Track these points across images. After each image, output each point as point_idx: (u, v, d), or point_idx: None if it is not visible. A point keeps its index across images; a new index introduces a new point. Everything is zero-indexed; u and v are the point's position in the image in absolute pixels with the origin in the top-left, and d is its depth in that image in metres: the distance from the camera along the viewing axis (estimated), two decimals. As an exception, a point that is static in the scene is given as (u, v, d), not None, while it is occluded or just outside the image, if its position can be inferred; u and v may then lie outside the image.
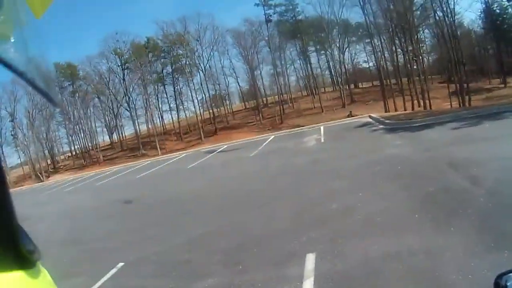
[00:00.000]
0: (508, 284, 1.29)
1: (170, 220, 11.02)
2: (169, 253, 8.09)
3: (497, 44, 53.79)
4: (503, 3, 52.89)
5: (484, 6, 52.67)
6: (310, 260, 5.97)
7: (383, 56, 48.90)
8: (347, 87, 56.84)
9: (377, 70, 50.07)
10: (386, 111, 39.11)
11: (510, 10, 53.14)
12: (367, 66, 66.39)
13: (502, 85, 51.84)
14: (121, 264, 7.84)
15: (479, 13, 56.12)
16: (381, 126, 23.40)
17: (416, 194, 8.42)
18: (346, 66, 60.70)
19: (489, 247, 5.18)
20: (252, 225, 8.77)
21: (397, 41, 44.17)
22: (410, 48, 42.87)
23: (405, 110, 39.32)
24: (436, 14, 42.59)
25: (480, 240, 5.50)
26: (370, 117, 30.12)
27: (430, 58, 60.00)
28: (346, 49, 59.79)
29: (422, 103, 40.57)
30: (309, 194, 10.37)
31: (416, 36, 44.45)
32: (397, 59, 47.07)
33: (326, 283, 5.29)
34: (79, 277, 7.58)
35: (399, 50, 45.39)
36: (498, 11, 54.56)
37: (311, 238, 6.99)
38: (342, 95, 52.47)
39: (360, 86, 66.70)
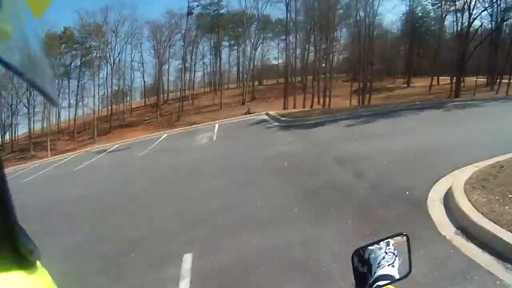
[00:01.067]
0: (355, 254, 1.52)
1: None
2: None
3: (410, 45, 57.70)
4: (427, 7, 57.11)
5: (407, 8, 56.71)
6: (187, 260, 6.19)
7: (294, 54, 50.44)
8: (251, 84, 58.11)
9: (284, 67, 51.49)
10: (284, 109, 40.32)
11: (432, 14, 57.47)
12: (276, 63, 67.84)
13: (405, 85, 55.92)
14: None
15: (401, 15, 60.17)
16: (276, 124, 24.48)
17: (299, 189, 9.01)
18: (255, 62, 61.78)
19: (364, 234, 5.75)
20: (128, 228, 8.75)
21: (312, 39, 45.70)
22: (323, 46, 44.70)
23: (303, 107, 40.80)
24: (358, 14, 44.84)
25: (358, 229, 6.13)
26: (267, 114, 31.23)
27: (340, 56, 62.56)
28: (259, 45, 60.98)
29: (322, 101, 42.78)
30: (191, 193, 10.61)
31: (332, 35, 46.45)
32: (307, 56, 48.84)
33: (202, 282, 5.55)
34: None
35: (311, 48, 47.05)
36: (420, 14, 58.66)
37: (189, 238, 7.21)
38: (244, 92, 53.46)
39: (265, 83, 68.18)
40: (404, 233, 1.52)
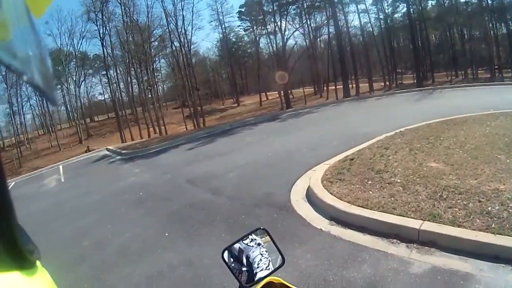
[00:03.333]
0: (224, 254, 1.56)
1: None
2: None
3: (231, 68, 59.53)
4: (240, 32, 59.23)
5: (221, 36, 57.72)
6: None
7: (118, 88, 49.32)
8: (83, 122, 55.77)
9: (112, 102, 50.24)
10: (123, 142, 39.48)
11: (246, 38, 59.72)
12: (103, 98, 65.75)
13: (236, 104, 57.75)
14: None
15: (216, 42, 61.49)
16: (119, 157, 23.80)
17: (163, 215, 8.74)
18: (82, 100, 59.35)
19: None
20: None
21: (133, 72, 45.05)
22: (145, 78, 44.18)
23: (141, 138, 40.47)
24: (173, 45, 44.69)
25: (234, 239, 6.20)
26: (107, 149, 30.34)
27: (165, 86, 62.45)
28: (82, 82, 58.66)
29: (158, 130, 42.39)
30: (58, 237, 9.36)
31: (152, 66, 46.00)
32: (132, 89, 48.00)
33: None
34: None
35: (134, 80, 46.41)
36: (234, 39, 60.60)
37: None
38: (79, 131, 51.22)
39: (97, 119, 65.63)
40: (262, 227, 1.63)
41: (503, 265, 4.06)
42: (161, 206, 9.55)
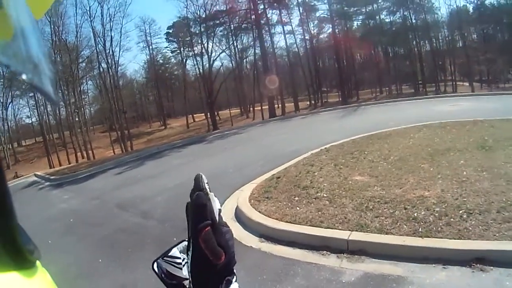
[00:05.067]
0: (154, 265, 1.49)
1: None
2: None
3: (158, 90, 58.86)
4: (167, 53, 59.03)
5: (148, 57, 57.22)
6: None
7: (46, 110, 47.74)
8: (10, 147, 53.58)
9: (39, 125, 48.61)
10: (51, 167, 38.08)
11: (173, 60, 59.68)
12: (30, 121, 63.37)
13: (163, 127, 57.27)
14: None
15: (143, 63, 60.78)
16: (47, 183, 22.86)
17: (95, 240, 8.53)
18: (10, 123, 57.01)
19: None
20: None
21: (60, 94, 43.82)
22: (73, 100, 43.07)
23: (69, 163, 39.28)
24: (101, 66, 43.85)
25: None
26: (35, 175, 29.30)
27: (92, 108, 61.05)
28: (9, 104, 56.22)
29: (85, 154, 41.37)
30: None
31: (79, 88, 44.91)
32: (59, 112, 46.60)
33: None
34: None
35: (61, 103, 45.19)
36: (161, 61, 60.26)
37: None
38: (6, 156, 49.01)
39: (24, 143, 63.32)
40: (186, 239, 1.51)
41: (433, 265, 4.25)
42: (93, 232, 9.29)
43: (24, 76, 0.49)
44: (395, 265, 4.38)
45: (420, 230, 4.82)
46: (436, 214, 5.09)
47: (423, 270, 4.17)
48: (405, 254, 4.54)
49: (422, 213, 5.23)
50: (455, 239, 4.52)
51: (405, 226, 4.98)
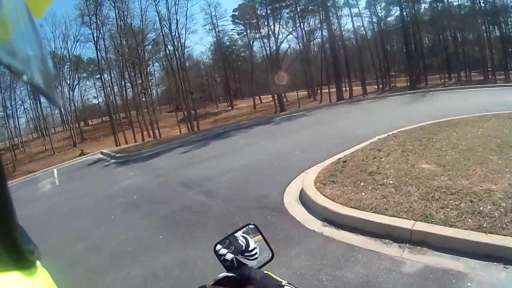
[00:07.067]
0: (217, 248, 1.56)
1: None
2: None
3: (225, 72, 59.35)
4: (234, 35, 59.50)
5: (214, 39, 57.88)
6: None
7: (112, 91, 49.15)
8: (77, 126, 55.52)
9: (106, 105, 50.14)
10: (117, 145, 39.53)
11: (239, 42, 60.18)
12: (97, 102, 65.37)
13: (230, 108, 57.75)
14: None
15: (210, 46, 61.60)
16: (113, 161, 23.84)
17: (157, 218, 8.72)
18: (76, 103, 59.07)
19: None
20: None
21: (127, 75, 44.85)
22: (139, 81, 44.02)
23: (135, 142, 40.44)
24: (167, 48, 44.42)
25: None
26: (101, 153, 30.43)
27: (158, 89, 62.11)
28: (76, 85, 58.27)
29: (152, 133, 42.42)
30: (51, 238, 9.12)
31: (146, 70, 45.85)
32: (126, 93, 47.77)
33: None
34: None
35: (128, 84, 46.25)
36: (228, 43, 60.76)
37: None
38: (73, 134, 51.00)
39: (91, 123, 65.45)
40: (252, 223, 1.66)
41: (495, 263, 4.09)
42: (156, 209, 9.51)
43: (24, 77, 0.49)
44: (456, 260, 4.27)
45: (484, 225, 4.64)
46: (502, 210, 4.88)
47: (484, 268, 4.06)
48: (468, 249, 4.41)
49: (488, 207, 5.03)
50: (519, 238, 4.35)
51: (470, 220, 4.81)
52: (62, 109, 56.25)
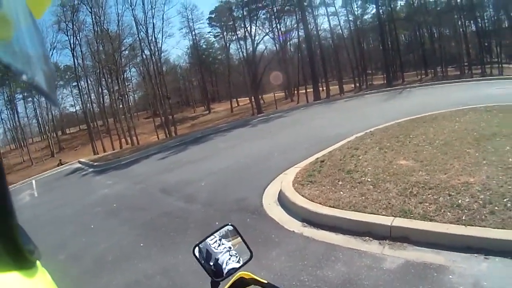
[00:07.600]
0: (195, 250, 1.57)
1: None
2: None
3: (201, 75, 59.36)
4: (210, 38, 59.61)
5: (191, 42, 57.81)
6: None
7: (89, 99, 48.74)
8: (55, 135, 54.94)
9: (83, 113, 49.69)
10: (95, 154, 39.22)
11: (216, 44, 60.35)
12: (74, 110, 64.73)
13: (207, 112, 57.78)
14: None
15: (186, 49, 61.45)
16: (91, 170, 23.61)
17: (137, 224, 8.65)
18: (53, 112, 58.45)
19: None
20: None
21: (104, 82, 44.58)
22: (116, 88, 43.86)
23: (113, 149, 40.10)
24: (144, 53, 44.37)
25: None
26: (79, 162, 30.16)
27: (135, 95, 61.93)
28: (52, 94, 57.41)
29: (130, 140, 42.26)
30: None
31: (123, 76, 45.81)
32: (103, 100, 47.44)
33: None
34: None
35: (105, 91, 45.94)
36: (204, 46, 60.78)
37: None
38: (51, 144, 50.50)
39: (68, 132, 64.78)
40: (230, 224, 1.68)
41: (475, 255, 4.14)
42: (135, 217, 9.46)
43: (24, 77, 0.49)
44: (437, 253, 4.31)
45: (463, 218, 4.69)
46: (481, 202, 4.93)
47: (464, 260, 4.09)
48: (448, 242, 4.44)
49: (467, 200, 5.09)
50: (498, 228, 4.37)
51: (448, 213, 4.86)
52: (40, 119, 55.74)
